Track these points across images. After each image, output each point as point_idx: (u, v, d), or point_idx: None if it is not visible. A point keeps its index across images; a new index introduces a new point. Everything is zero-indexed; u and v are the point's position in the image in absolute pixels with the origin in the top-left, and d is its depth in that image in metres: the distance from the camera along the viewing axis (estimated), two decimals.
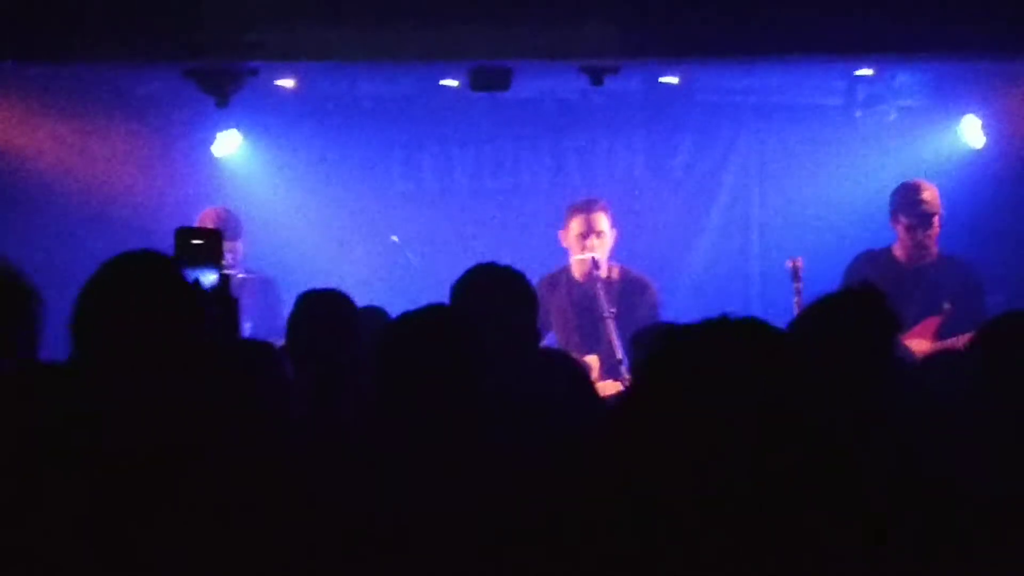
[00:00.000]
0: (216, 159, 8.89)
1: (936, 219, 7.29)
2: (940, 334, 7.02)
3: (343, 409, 4.33)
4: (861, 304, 3.55)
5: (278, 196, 8.95)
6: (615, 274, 7.42)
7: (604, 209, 7.45)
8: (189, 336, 3.21)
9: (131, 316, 3.14)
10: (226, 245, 7.55)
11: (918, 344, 6.92)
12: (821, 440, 2.03)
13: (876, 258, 7.35)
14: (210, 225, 7.55)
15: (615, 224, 7.49)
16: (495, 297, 4.50)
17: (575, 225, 7.42)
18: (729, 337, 2.18)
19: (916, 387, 4.41)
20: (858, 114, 8.58)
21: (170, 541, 2.83)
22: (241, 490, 3.03)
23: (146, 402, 3.00)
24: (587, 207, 7.43)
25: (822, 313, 3.57)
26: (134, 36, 6.76)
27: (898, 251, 7.38)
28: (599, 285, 7.16)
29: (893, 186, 7.80)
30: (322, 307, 4.85)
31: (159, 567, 2.82)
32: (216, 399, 3.31)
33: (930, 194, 7.32)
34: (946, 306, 7.08)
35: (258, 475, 3.14)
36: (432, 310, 3.72)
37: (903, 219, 7.30)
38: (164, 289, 3.23)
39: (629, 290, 7.33)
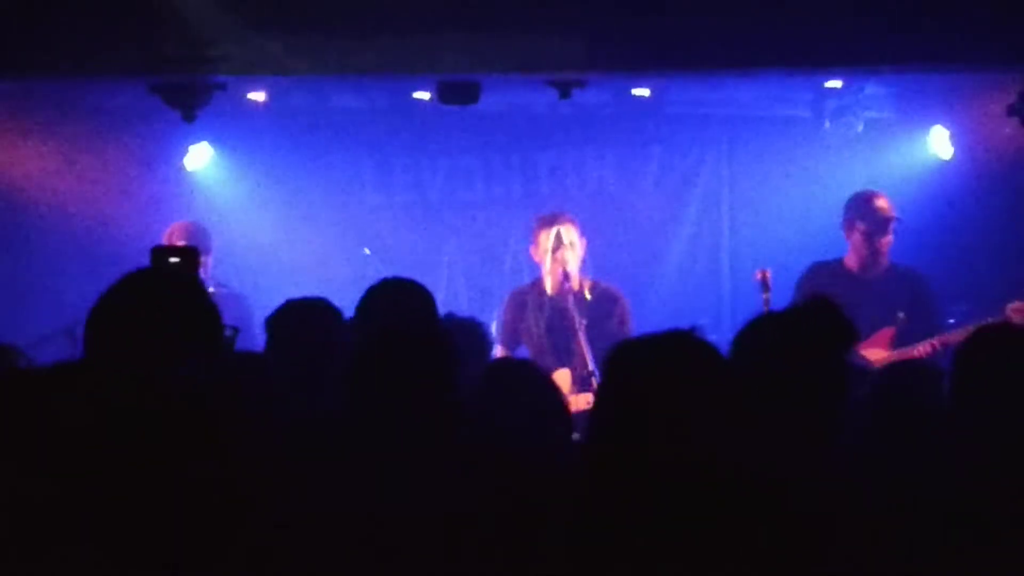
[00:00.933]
0: (187, 173, 8.89)
1: (892, 225, 7.36)
2: (895, 344, 7.09)
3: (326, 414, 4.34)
4: (817, 317, 3.57)
5: (249, 209, 8.95)
6: (586, 287, 7.41)
7: (571, 221, 7.45)
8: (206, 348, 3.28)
9: (159, 332, 3.19)
10: None
11: (875, 353, 7.00)
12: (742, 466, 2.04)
13: (828, 269, 7.42)
14: (179, 239, 7.56)
15: (584, 235, 7.50)
16: (398, 312, 4.55)
17: (544, 239, 7.41)
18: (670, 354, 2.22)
19: (878, 398, 4.45)
20: (826, 126, 8.62)
21: (168, 543, 2.84)
22: (235, 494, 3.04)
23: (150, 406, 3.00)
24: (553, 220, 7.43)
25: (776, 327, 3.59)
26: (98, 51, 6.75)
27: (850, 261, 7.46)
28: (570, 298, 7.17)
29: None
30: (308, 315, 4.84)
31: (156, 566, 2.83)
32: (217, 403, 3.31)
33: (885, 202, 7.42)
34: (900, 315, 7.15)
35: (250, 478, 3.15)
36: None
37: (861, 226, 7.37)
38: (196, 309, 3.30)
39: (600, 302, 7.32)
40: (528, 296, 7.50)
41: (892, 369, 5.30)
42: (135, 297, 3.24)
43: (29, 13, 6.72)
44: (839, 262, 7.47)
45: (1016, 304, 6.93)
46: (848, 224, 7.44)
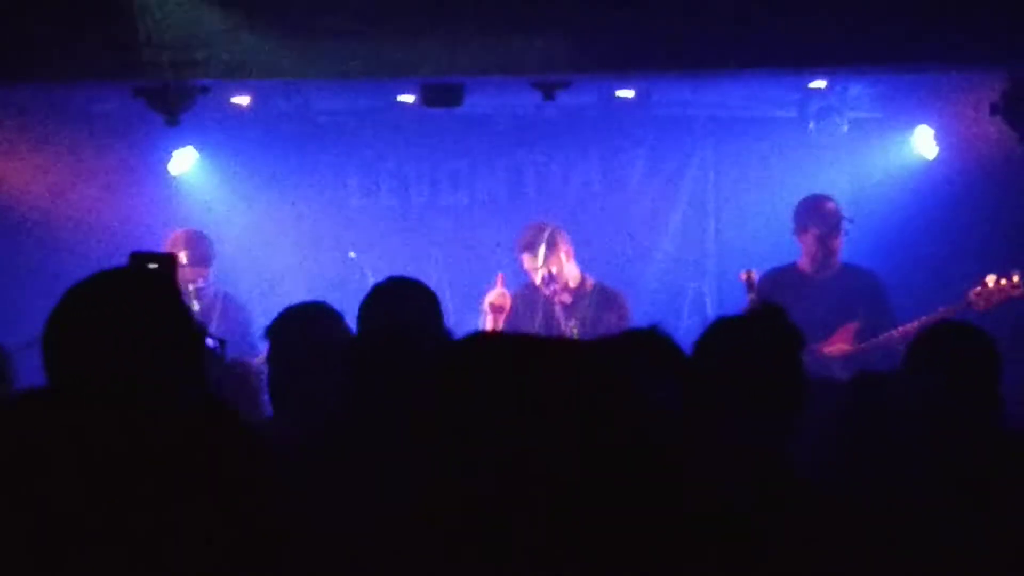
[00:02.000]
0: (172, 177, 8.87)
1: (843, 226, 7.56)
2: (858, 339, 7.34)
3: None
4: (763, 324, 3.58)
5: (235, 213, 8.93)
6: (588, 286, 7.54)
7: (547, 227, 7.52)
8: (186, 361, 2.94)
9: (121, 339, 2.80)
10: (197, 270, 7.66)
11: (838, 349, 7.14)
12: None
13: (782, 273, 7.60)
14: (181, 247, 7.53)
15: (567, 235, 7.58)
16: (404, 309, 4.52)
17: (527, 256, 7.54)
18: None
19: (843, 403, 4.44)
20: (811, 126, 8.63)
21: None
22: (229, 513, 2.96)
23: (128, 431, 2.72)
24: (533, 233, 7.52)
25: (729, 332, 3.59)
26: (81, 55, 6.74)
27: (804, 264, 7.64)
28: (556, 300, 7.26)
29: (847, 197, 7.92)
30: (307, 321, 4.80)
31: None
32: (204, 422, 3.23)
33: (834, 204, 7.64)
34: (860, 311, 7.31)
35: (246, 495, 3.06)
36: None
37: (814, 229, 7.56)
38: (160, 308, 2.90)
39: (600, 302, 7.41)
40: (519, 299, 7.54)
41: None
42: (101, 305, 2.83)
43: (9, 18, 6.71)
44: (793, 265, 7.66)
45: (977, 288, 7.04)
46: (800, 228, 7.64)
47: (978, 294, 7.08)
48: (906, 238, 8.04)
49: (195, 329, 3.04)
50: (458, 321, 7.07)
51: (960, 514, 3.41)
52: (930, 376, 4.05)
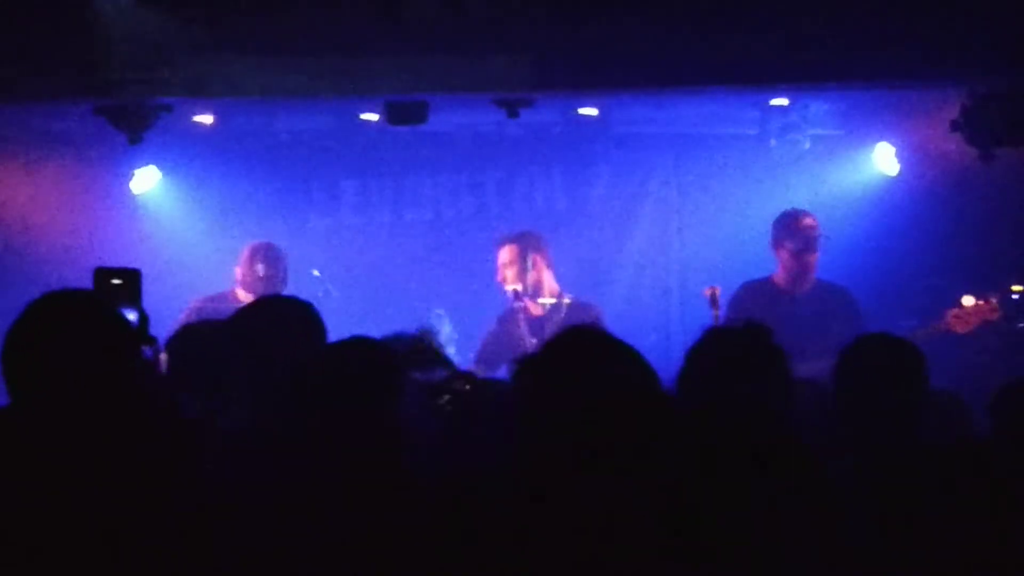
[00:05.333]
0: (133, 196, 8.84)
1: (818, 242, 7.52)
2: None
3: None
4: (753, 337, 3.60)
5: (195, 232, 8.90)
6: (565, 303, 7.67)
7: (514, 241, 7.71)
8: (125, 377, 3.16)
9: (67, 358, 3.09)
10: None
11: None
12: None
13: (758, 287, 7.58)
14: (260, 261, 7.69)
15: (535, 251, 7.65)
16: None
17: (501, 275, 7.72)
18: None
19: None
20: (773, 143, 8.68)
21: None
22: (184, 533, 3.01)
23: (83, 448, 2.96)
24: (500, 243, 7.62)
25: (715, 346, 3.62)
26: (42, 74, 6.71)
27: (779, 279, 7.61)
28: (520, 316, 7.34)
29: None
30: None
31: None
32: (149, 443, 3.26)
33: (812, 220, 7.59)
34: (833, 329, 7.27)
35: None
36: (355, 342, 3.73)
37: (789, 245, 7.53)
38: (99, 329, 3.17)
39: (574, 316, 7.48)
40: (506, 316, 7.70)
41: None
42: (40, 328, 3.14)
43: None
44: (768, 280, 7.63)
45: (955, 310, 7.05)
46: (776, 243, 7.61)
47: (956, 316, 7.07)
48: (868, 254, 8.08)
49: (129, 342, 3.25)
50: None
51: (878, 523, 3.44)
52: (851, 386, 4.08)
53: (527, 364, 2.90)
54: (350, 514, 3.34)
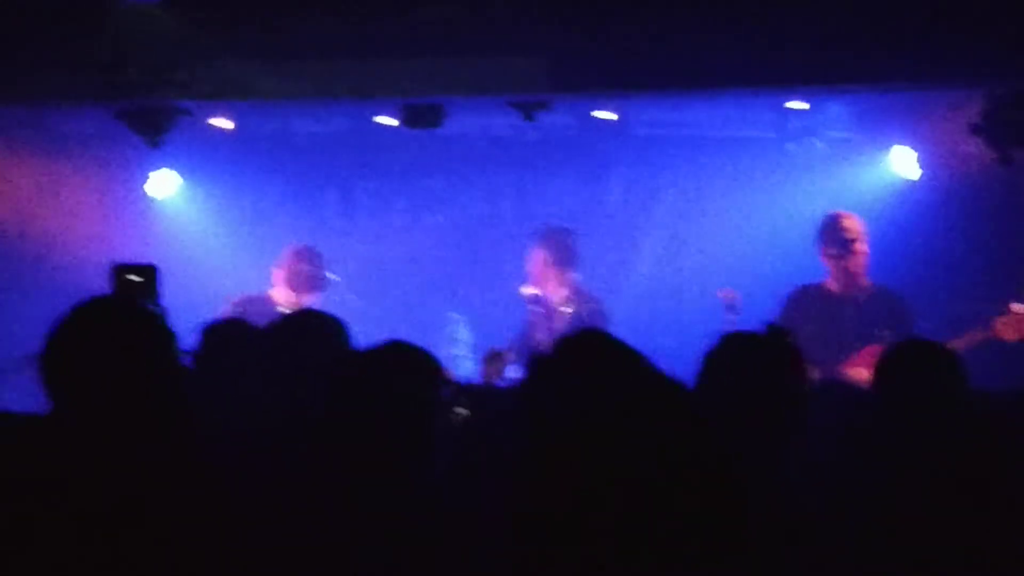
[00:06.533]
0: (149, 198, 8.85)
1: (857, 245, 7.37)
2: None
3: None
4: (772, 342, 3.60)
5: (214, 234, 8.91)
6: (574, 304, 7.80)
7: (539, 242, 7.78)
8: (166, 385, 3.12)
9: (109, 366, 3.02)
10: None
11: (860, 372, 7.01)
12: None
13: (809, 291, 7.43)
14: (305, 262, 7.81)
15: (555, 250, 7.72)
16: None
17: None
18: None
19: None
20: (789, 146, 8.66)
21: None
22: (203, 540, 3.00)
23: (124, 456, 2.93)
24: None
25: (735, 349, 3.61)
26: (63, 77, 6.72)
27: (831, 284, 7.46)
28: (541, 313, 7.43)
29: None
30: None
31: None
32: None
33: (850, 222, 7.43)
34: (884, 334, 7.15)
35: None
36: (395, 346, 3.70)
37: (829, 250, 7.40)
38: (142, 336, 3.11)
39: (579, 311, 7.58)
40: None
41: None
42: (84, 335, 3.05)
43: None
44: (821, 285, 7.48)
45: (1003, 318, 6.94)
46: (820, 248, 7.47)
47: (1005, 323, 6.95)
48: (886, 257, 8.05)
49: (169, 350, 3.17)
50: (434, 343, 7.05)
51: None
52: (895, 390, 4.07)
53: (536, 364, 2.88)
54: (373, 520, 3.33)
